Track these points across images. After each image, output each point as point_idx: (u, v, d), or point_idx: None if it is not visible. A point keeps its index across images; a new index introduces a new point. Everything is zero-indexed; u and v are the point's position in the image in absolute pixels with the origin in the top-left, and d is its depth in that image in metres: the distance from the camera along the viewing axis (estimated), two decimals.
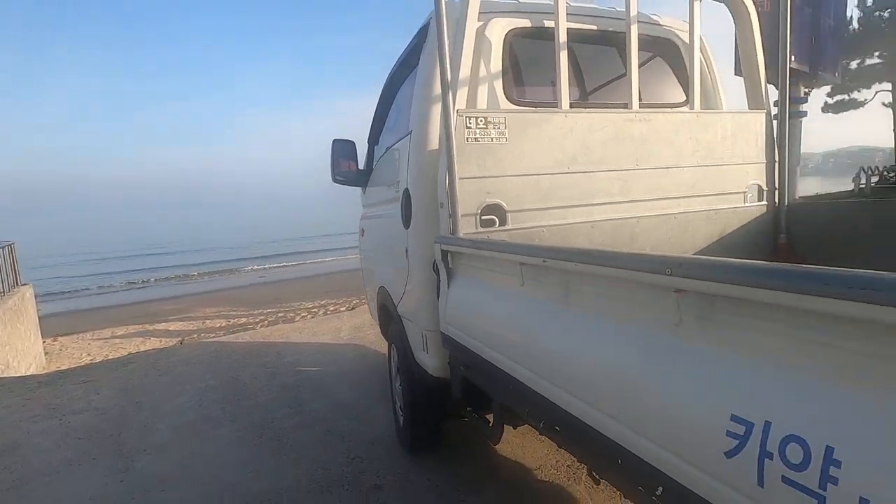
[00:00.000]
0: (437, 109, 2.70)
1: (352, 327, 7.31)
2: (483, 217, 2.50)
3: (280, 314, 8.49)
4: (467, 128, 2.44)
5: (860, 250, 2.69)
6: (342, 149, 4.07)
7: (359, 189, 4.46)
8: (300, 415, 4.30)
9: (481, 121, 2.48)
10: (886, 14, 20.54)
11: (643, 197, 2.87)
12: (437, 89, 2.65)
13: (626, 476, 1.21)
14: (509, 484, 3.09)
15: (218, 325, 9.69)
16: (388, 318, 3.64)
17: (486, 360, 1.95)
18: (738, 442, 0.90)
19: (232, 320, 9.63)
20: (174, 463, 3.62)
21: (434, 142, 2.73)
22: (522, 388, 1.67)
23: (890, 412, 0.71)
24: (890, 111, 22.06)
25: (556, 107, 2.65)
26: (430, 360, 2.78)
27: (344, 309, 8.73)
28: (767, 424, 0.85)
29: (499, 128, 2.51)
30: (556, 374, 1.49)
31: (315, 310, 8.84)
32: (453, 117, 2.37)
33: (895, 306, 0.65)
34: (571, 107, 2.69)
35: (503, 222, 2.52)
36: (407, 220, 2.89)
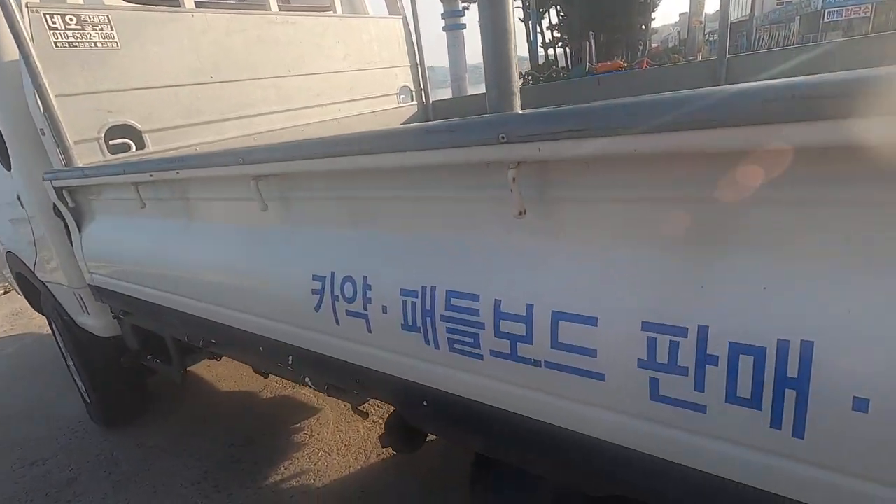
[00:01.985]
0: None
1: (7, 315, 5.59)
2: (112, 142, 2.10)
3: None
4: (52, 28, 1.92)
5: None
6: None
7: None
8: None
9: (71, 19, 1.98)
10: None
11: (304, 104, 2.89)
12: None
13: (268, 356, 1.31)
14: (231, 416, 3.06)
15: None
16: (33, 287, 2.89)
17: (144, 300, 1.76)
18: (319, 296, 1.05)
19: None
20: None
21: (10, 48, 2.07)
22: (182, 316, 1.58)
23: (382, 245, 0.93)
24: (523, 25, 27.72)
25: (178, 5, 2.33)
26: (95, 321, 2.37)
27: None
28: (332, 274, 1.02)
29: (102, 29, 2.06)
30: (204, 291, 1.45)
31: None
32: (23, 15, 1.82)
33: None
34: (198, 6, 2.39)
35: (141, 145, 2.19)
36: (5, 159, 2.21)
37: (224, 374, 3.65)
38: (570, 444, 0.76)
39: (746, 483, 0.61)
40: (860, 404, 0.51)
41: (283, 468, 2.61)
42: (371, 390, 1.10)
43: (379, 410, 2.93)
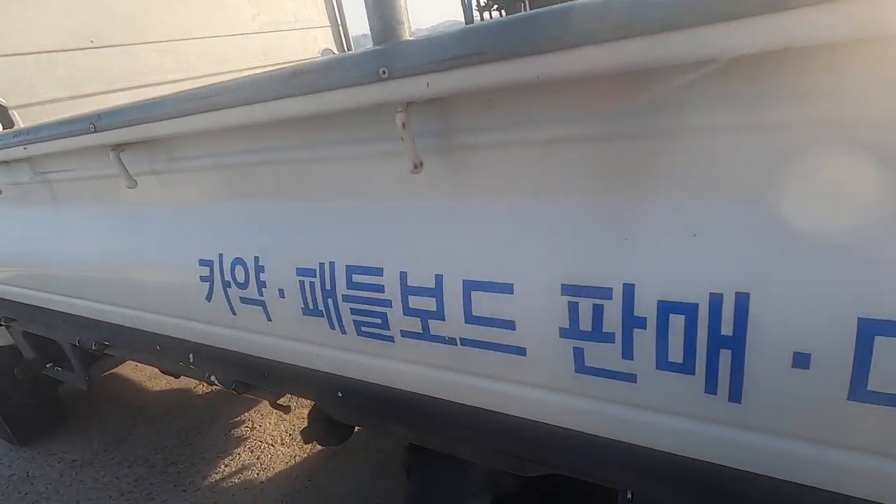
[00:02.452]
0: None
1: None
2: None
3: None
4: None
5: None
6: None
7: None
8: None
9: None
10: None
11: (209, 71, 2.60)
12: None
13: (168, 355, 1.15)
14: (164, 417, 2.85)
15: None
16: None
17: (22, 303, 1.52)
18: (209, 284, 0.90)
19: None
20: None
21: None
22: (67, 318, 1.37)
23: (270, 219, 0.79)
24: None
25: None
26: None
27: None
28: (220, 256, 0.87)
29: None
30: (84, 288, 1.24)
31: None
32: None
33: None
34: None
35: (8, 124, 1.87)
36: None
37: (154, 373, 3.38)
38: (495, 427, 0.68)
39: (683, 454, 0.55)
40: (800, 360, 0.44)
41: (223, 465, 2.45)
42: (281, 385, 0.97)
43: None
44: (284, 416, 2.78)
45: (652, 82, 0.47)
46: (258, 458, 2.53)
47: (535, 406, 0.63)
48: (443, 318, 0.64)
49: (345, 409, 0.89)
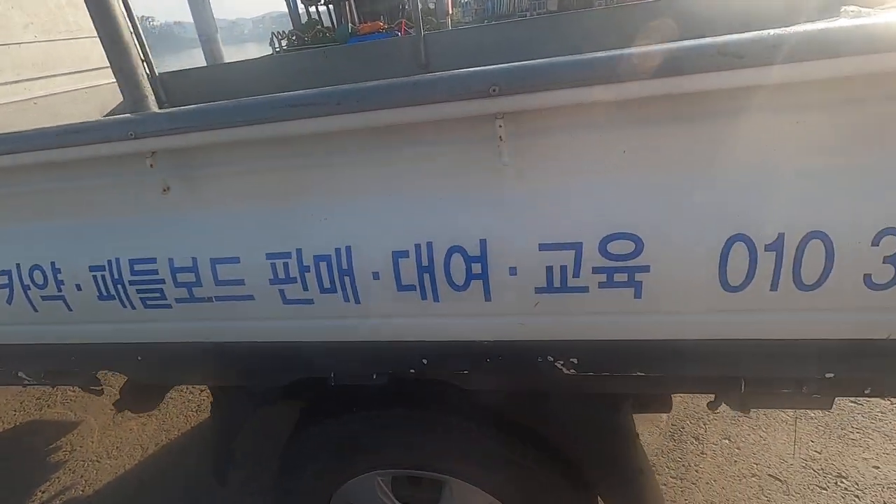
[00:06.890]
0: None
1: None
2: None
3: None
4: None
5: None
6: None
7: None
8: None
9: None
10: None
11: None
12: None
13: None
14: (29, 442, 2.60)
15: None
16: None
17: None
18: (8, 290, 1.11)
19: None
20: None
21: None
22: None
23: (60, 233, 1.06)
24: None
25: None
26: None
27: None
28: (17, 266, 1.09)
29: None
30: None
31: None
32: None
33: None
34: None
35: None
36: None
37: None
38: (244, 353, 1.06)
39: (343, 340, 1.01)
40: (376, 275, 0.92)
41: (39, 493, 2.40)
42: (91, 364, 1.21)
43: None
44: (107, 432, 2.78)
45: (299, 140, 0.89)
46: (82, 477, 2.54)
47: (264, 332, 1.02)
48: (201, 285, 1.00)
49: (144, 370, 1.17)
